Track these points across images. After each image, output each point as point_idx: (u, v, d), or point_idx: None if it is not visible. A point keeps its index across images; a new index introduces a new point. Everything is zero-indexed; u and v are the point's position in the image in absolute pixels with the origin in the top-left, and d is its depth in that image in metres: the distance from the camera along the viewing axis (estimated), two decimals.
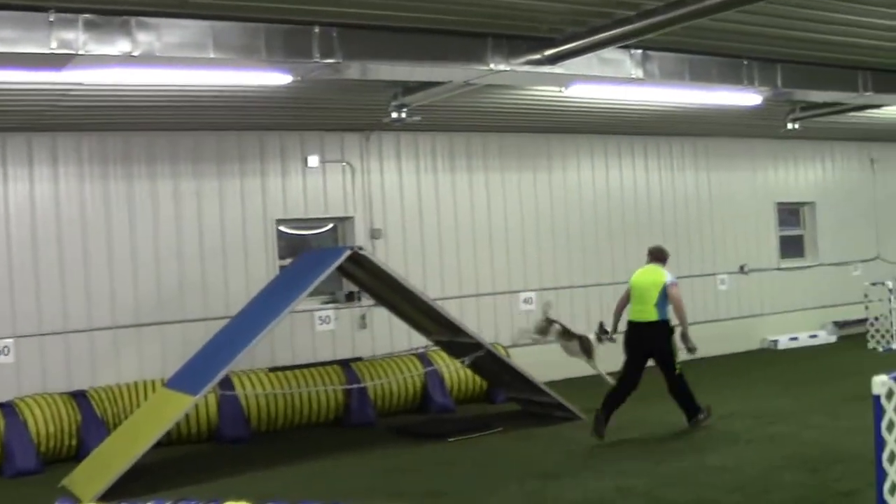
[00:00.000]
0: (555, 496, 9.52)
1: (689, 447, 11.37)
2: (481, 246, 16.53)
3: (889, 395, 7.24)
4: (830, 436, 11.37)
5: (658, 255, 12.65)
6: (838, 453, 10.36)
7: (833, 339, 20.39)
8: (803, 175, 21.01)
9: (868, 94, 13.41)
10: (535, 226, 17.12)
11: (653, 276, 12.31)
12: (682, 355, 12.29)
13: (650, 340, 12.16)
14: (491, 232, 16.63)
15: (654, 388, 14.51)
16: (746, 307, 19.81)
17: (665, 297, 12.11)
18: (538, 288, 17.00)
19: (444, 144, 16.22)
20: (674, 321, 12.24)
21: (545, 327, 14.26)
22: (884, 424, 7.19)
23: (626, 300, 12.65)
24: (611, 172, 18.07)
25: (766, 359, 18.59)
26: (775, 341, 19.68)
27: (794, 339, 19.92)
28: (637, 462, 10.72)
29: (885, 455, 7.22)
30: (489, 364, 13.09)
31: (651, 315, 12.12)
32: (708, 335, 18.69)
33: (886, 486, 7.23)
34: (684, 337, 12.17)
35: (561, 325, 14.20)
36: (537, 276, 17.05)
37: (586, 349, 13.98)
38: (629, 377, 12.22)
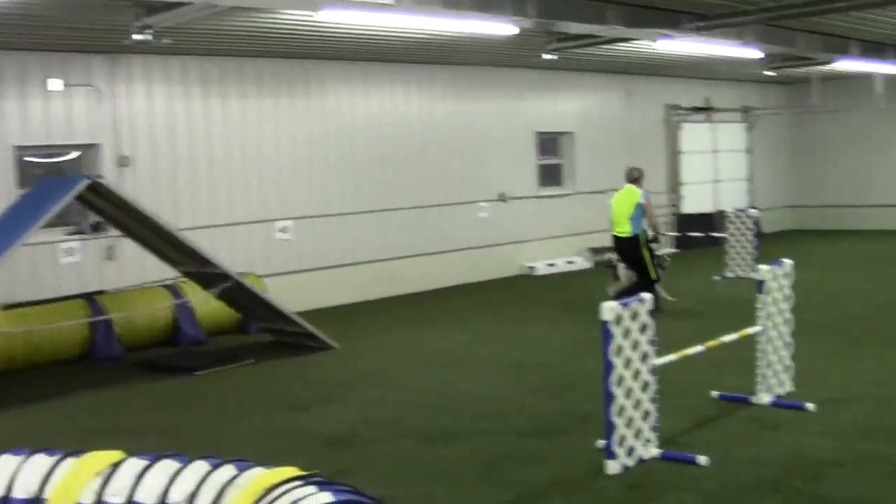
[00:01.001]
0: (300, 427, 9.41)
1: (437, 374, 11.49)
2: (236, 174, 16.08)
3: (617, 320, 7.42)
4: (574, 361, 11.70)
5: (629, 177, 14.81)
6: (579, 378, 10.67)
7: (589, 265, 20.97)
8: (563, 105, 21.41)
9: (618, 28, 13.66)
10: (291, 154, 16.80)
11: (627, 198, 14.49)
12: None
13: (629, 251, 14.52)
14: (246, 160, 16.20)
15: (417, 314, 14.61)
16: (506, 234, 20.13)
17: (640, 213, 14.36)
18: (295, 216, 16.76)
19: (197, 69, 15.61)
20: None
21: (615, 272, 15.60)
22: (612, 349, 7.40)
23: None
24: (371, 100, 17.88)
25: (524, 284, 18.97)
26: (533, 267, 20.11)
27: (552, 265, 20.41)
28: (385, 392, 10.73)
29: (614, 378, 7.44)
30: (239, 295, 12.80)
31: (626, 230, 14.39)
32: (468, 262, 19.00)
33: (614, 408, 7.46)
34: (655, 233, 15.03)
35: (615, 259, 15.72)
36: (294, 204, 16.78)
37: None
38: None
